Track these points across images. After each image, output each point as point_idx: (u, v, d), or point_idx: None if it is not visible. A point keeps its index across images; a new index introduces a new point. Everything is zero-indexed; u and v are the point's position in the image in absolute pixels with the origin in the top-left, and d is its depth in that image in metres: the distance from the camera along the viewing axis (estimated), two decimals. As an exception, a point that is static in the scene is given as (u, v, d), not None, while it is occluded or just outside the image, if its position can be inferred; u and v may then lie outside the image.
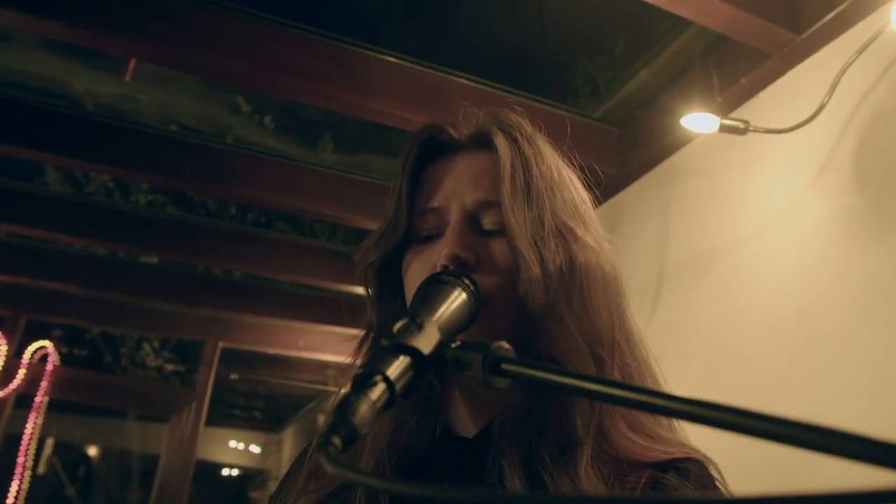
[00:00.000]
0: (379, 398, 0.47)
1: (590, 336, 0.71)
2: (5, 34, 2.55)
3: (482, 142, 0.80)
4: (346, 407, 0.45)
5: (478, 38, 2.70)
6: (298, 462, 0.86)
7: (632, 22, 2.56)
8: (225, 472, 8.57)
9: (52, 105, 2.79)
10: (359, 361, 0.82)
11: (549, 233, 0.73)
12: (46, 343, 4.36)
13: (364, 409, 0.45)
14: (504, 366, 0.47)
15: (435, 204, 0.78)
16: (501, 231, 0.74)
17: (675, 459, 0.68)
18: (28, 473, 4.23)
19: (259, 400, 7.10)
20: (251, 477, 8.40)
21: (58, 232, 3.64)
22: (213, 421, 6.94)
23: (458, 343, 0.51)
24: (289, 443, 7.86)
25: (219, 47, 2.15)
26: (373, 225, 3.53)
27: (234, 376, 5.63)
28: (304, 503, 0.75)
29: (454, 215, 0.76)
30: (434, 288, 0.64)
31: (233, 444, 8.34)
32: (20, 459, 4.22)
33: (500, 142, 0.77)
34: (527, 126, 0.81)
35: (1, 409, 4.16)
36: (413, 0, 2.82)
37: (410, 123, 2.49)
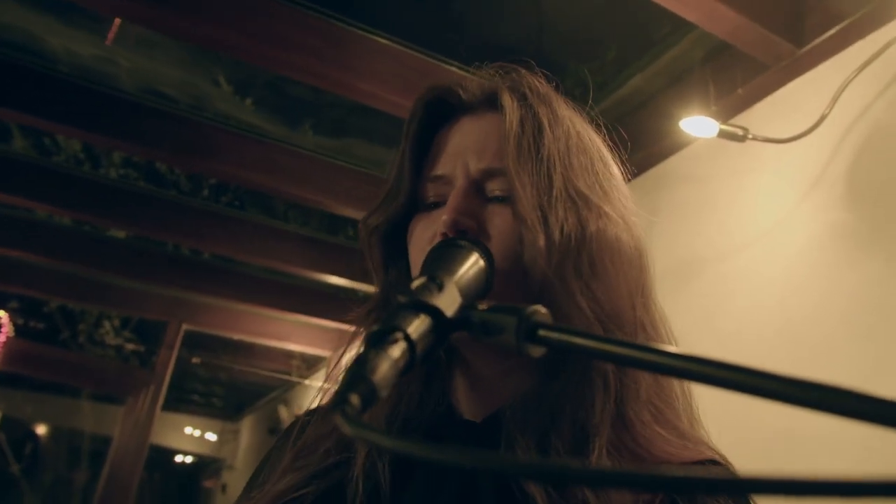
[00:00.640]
0: (400, 357, 0.41)
1: (604, 313, 0.64)
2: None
3: (492, 102, 0.73)
4: (363, 364, 0.39)
5: (473, 28, 2.65)
6: (285, 437, 0.79)
7: (630, 25, 2.53)
8: (179, 458, 8.38)
9: (23, 61, 2.67)
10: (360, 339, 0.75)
11: (557, 198, 0.66)
12: (1, 313, 4.19)
13: (385, 368, 0.39)
14: (541, 332, 0.41)
15: (439, 171, 0.72)
16: (507, 198, 0.68)
17: (699, 462, 0.63)
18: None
19: (219, 386, 6.94)
20: (205, 465, 8.22)
21: (20, 196, 3.50)
22: (169, 405, 6.77)
23: (487, 305, 0.45)
24: (246, 432, 7.71)
25: (209, 13, 2.06)
26: (352, 212, 3.48)
27: (195, 360, 5.48)
28: (291, 480, 0.68)
29: (458, 181, 0.70)
30: (451, 251, 0.59)
31: (189, 430, 8.16)
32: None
33: (508, 102, 0.71)
34: (541, 86, 0.75)
35: (-53, 378, 3.99)
36: (410, -15, 2.75)
37: (399, 108, 2.43)
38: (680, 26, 2.26)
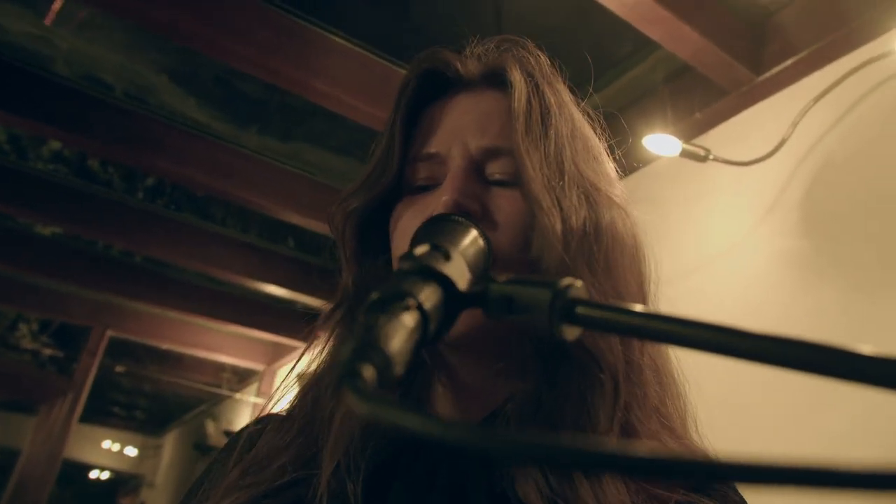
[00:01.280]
0: (415, 329, 0.33)
1: None
2: None
3: (494, 80, 0.67)
4: (372, 329, 0.30)
5: (434, 37, 2.61)
6: (228, 449, 0.68)
7: (591, 44, 2.53)
8: (94, 474, 7.90)
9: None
10: (332, 339, 0.67)
11: (569, 183, 0.60)
12: None
13: (401, 338, 0.31)
14: (580, 309, 0.33)
15: (432, 149, 0.64)
16: (511, 182, 0.62)
17: (707, 483, 0.57)
18: None
19: (143, 398, 6.58)
20: (123, 482, 7.77)
21: (-64, 186, 3.25)
22: (88, 417, 6.39)
23: (506, 277, 0.38)
24: (170, 448, 7.34)
25: (158, -5, 1.94)
26: (296, 218, 3.36)
27: (119, 369, 5.18)
28: (237, 499, 0.58)
29: (455, 161, 0.63)
30: (447, 225, 0.51)
31: (107, 444, 7.70)
32: None
33: (517, 78, 0.65)
34: (546, 65, 0.69)
35: None
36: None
37: (354, 111, 2.35)
38: (641, 47, 2.27)
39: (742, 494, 0.60)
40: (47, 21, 2.54)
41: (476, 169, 0.63)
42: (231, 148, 2.99)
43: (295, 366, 0.71)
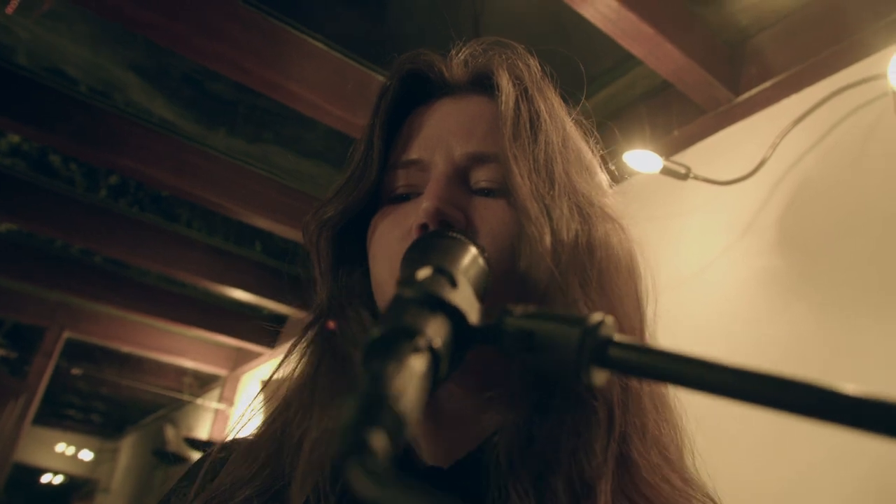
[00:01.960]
0: (426, 374, 0.28)
1: None
2: None
3: (481, 84, 0.63)
4: (381, 382, 0.25)
5: (409, 41, 2.56)
6: (188, 478, 0.63)
7: (568, 59, 2.51)
8: (46, 478, 7.65)
9: None
10: (304, 360, 0.61)
11: (560, 193, 0.56)
12: None
13: (412, 388, 0.26)
14: (614, 351, 0.30)
15: (414, 155, 0.60)
16: (498, 190, 0.57)
17: None
18: None
19: (100, 401, 6.38)
20: (77, 486, 7.53)
21: None
22: (41, 419, 6.19)
23: (523, 310, 0.33)
24: (127, 452, 7.14)
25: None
26: (263, 222, 3.28)
27: (75, 371, 5.02)
28: None
29: (438, 167, 0.58)
30: (446, 242, 0.46)
31: (61, 447, 7.47)
32: None
33: (505, 82, 0.61)
34: (536, 69, 0.65)
35: None
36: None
37: (328, 116, 2.29)
38: (621, 62, 2.26)
39: None
40: (9, 10, 2.44)
41: (460, 176, 0.58)
42: (198, 148, 2.91)
43: (263, 388, 0.65)
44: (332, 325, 0.61)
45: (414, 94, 0.65)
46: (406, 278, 0.34)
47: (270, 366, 0.64)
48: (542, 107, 0.61)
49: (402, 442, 0.24)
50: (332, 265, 0.62)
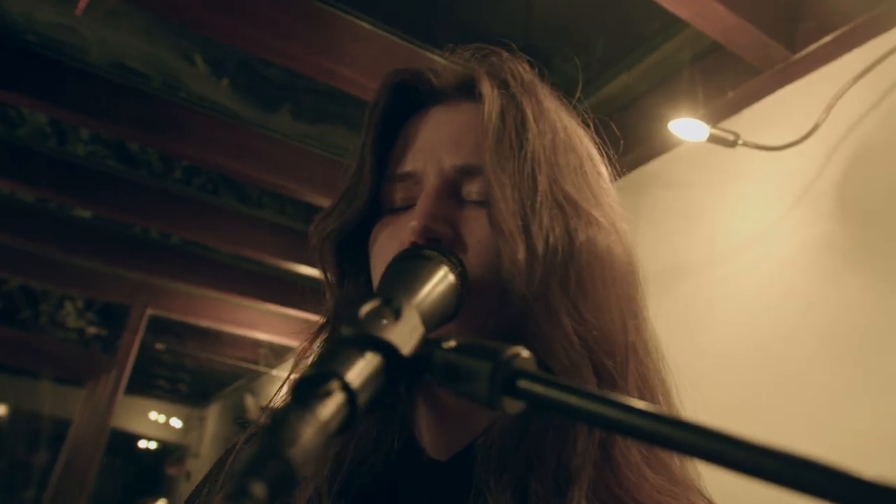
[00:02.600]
0: (333, 417, 0.31)
1: (592, 337, 0.56)
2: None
3: (468, 91, 0.64)
4: (279, 430, 0.29)
5: (460, 17, 2.56)
6: (219, 466, 0.69)
7: (619, 22, 2.45)
8: (142, 444, 8.20)
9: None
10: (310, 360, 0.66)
11: (542, 203, 0.57)
12: (-45, 290, 4.03)
13: (309, 436, 0.29)
14: (522, 383, 0.32)
15: (408, 168, 0.62)
16: (486, 202, 0.59)
17: None
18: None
19: (185, 373, 6.77)
20: (170, 451, 8.04)
21: (-19, 171, 3.35)
22: (134, 389, 6.62)
23: (455, 343, 0.37)
24: (213, 420, 7.56)
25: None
26: (326, 201, 3.35)
27: (159, 346, 5.33)
28: None
29: (430, 180, 0.61)
30: (413, 265, 0.49)
31: (153, 415, 7.98)
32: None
33: (488, 90, 0.61)
34: (525, 73, 0.65)
35: None
36: (396, -31, 2.65)
37: (378, 97, 2.33)
38: (670, 24, 2.19)
39: None
40: (78, 11, 2.57)
41: (451, 188, 0.61)
42: (260, 132, 3.00)
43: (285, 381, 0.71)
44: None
45: (408, 105, 0.67)
46: (350, 317, 0.37)
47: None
48: (530, 112, 0.61)
49: (290, 488, 0.28)
50: (336, 274, 0.66)
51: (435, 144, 0.62)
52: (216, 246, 3.96)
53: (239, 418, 5.55)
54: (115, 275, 4.29)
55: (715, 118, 2.13)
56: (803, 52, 1.92)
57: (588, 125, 0.70)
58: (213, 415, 7.57)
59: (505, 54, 0.67)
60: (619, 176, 0.72)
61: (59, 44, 2.68)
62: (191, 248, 4.19)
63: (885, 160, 1.66)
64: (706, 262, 2.02)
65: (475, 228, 0.59)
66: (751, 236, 1.91)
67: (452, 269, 0.50)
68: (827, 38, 1.87)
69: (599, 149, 0.71)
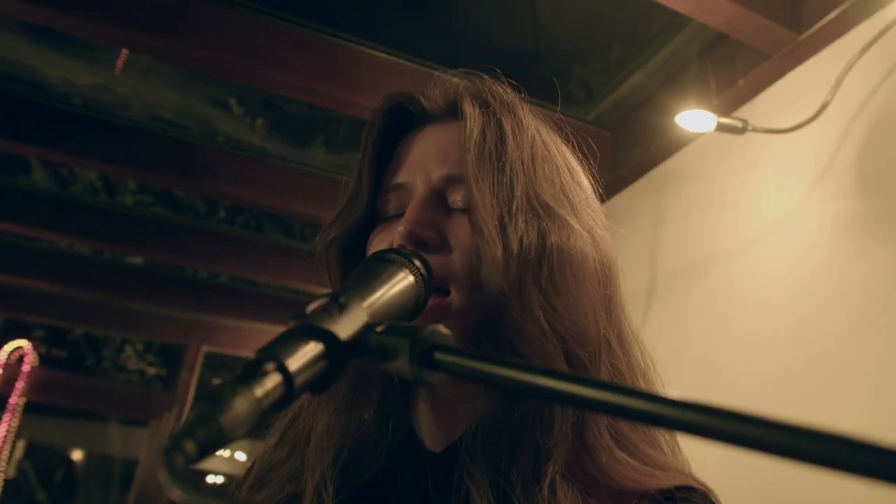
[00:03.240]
0: (268, 394, 0.36)
1: (564, 328, 0.61)
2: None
3: (454, 111, 0.71)
4: (215, 402, 0.34)
5: (470, 35, 2.62)
6: (249, 469, 0.76)
7: (626, 23, 2.48)
8: (210, 479, 8.41)
9: (27, 94, 2.71)
10: None
11: (518, 208, 0.63)
12: (23, 343, 4.26)
13: (241, 407, 0.34)
14: (438, 355, 0.37)
15: (400, 180, 0.69)
16: (469, 209, 0.65)
17: (672, 489, 0.57)
18: (0, 477, 4.11)
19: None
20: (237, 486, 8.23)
21: (41, 228, 3.56)
22: (198, 427, 6.77)
23: (384, 327, 0.41)
24: (276, 451, 7.71)
25: (197, 35, 2.06)
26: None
27: (215, 380, 5.49)
28: None
29: (418, 189, 0.67)
30: (374, 266, 0.54)
31: (220, 451, 8.18)
32: (-7, 462, 4.12)
33: (469, 109, 0.68)
34: (506, 94, 0.72)
35: (-25, 409, 4.06)
36: (405, -4, 2.74)
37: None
38: (676, 19, 2.21)
39: (707, 499, 0.60)
40: (116, 70, 2.74)
41: (438, 197, 0.67)
42: (294, 167, 3.08)
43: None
44: None
45: (403, 125, 0.74)
46: (296, 313, 0.42)
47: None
48: (509, 129, 0.67)
49: (217, 447, 0.33)
50: (340, 278, 0.72)
51: (424, 158, 0.69)
52: (261, 280, 4.09)
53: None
54: (169, 316, 4.48)
55: (729, 108, 2.13)
56: (809, 32, 1.91)
57: (572, 141, 0.76)
58: (276, 446, 7.71)
59: (486, 77, 0.74)
60: (604, 191, 0.76)
61: (99, 103, 2.86)
62: (238, 284, 4.34)
63: (901, 130, 1.64)
64: (734, 250, 2.02)
65: (459, 232, 0.65)
66: (775, 220, 1.90)
67: (412, 271, 0.54)
68: (832, 15, 1.86)
69: (581, 163, 0.76)
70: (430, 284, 0.57)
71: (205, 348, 4.53)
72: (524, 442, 0.58)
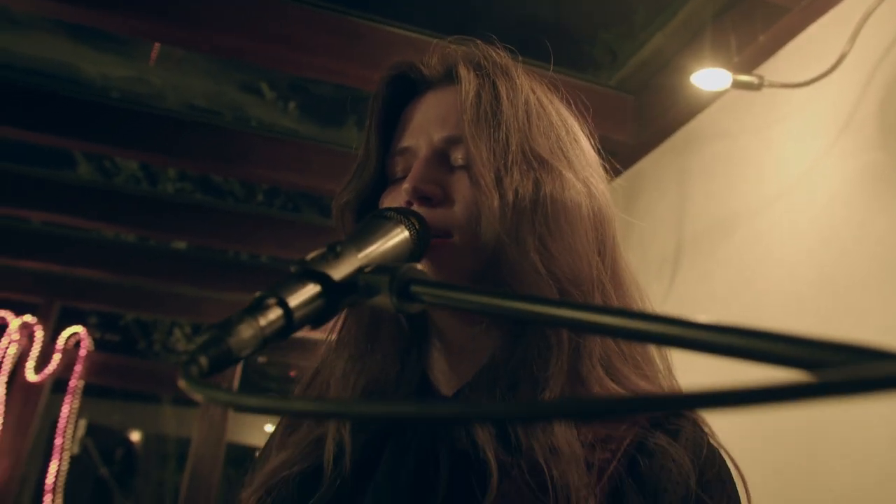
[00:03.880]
0: (270, 324, 0.42)
1: (559, 270, 0.66)
2: (14, 19, 2.58)
3: (451, 76, 0.75)
4: (225, 327, 0.40)
5: (492, 8, 2.64)
6: (282, 419, 0.84)
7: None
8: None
9: (68, 90, 2.83)
10: (338, 327, 0.79)
11: (514, 162, 0.68)
12: (79, 328, 4.47)
13: (246, 333, 0.40)
14: (414, 288, 0.42)
15: (405, 144, 0.75)
16: (469, 165, 0.71)
17: (664, 417, 0.63)
18: (66, 454, 4.35)
19: (291, 383, 7.13)
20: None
21: (89, 219, 3.71)
22: (247, 405, 6.99)
23: (372, 268, 0.47)
24: (323, 427, 7.91)
25: (221, 22, 2.14)
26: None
27: (262, 359, 5.67)
28: (282, 457, 0.72)
29: (422, 151, 0.73)
30: (374, 222, 0.59)
31: (269, 427, 8.45)
32: (58, 441, 4.35)
33: (464, 73, 0.73)
34: (499, 57, 0.76)
35: (38, 392, 4.28)
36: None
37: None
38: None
39: (701, 426, 0.65)
40: (150, 62, 2.84)
41: (441, 157, 0.72)
42: (328, 147, 3.14)
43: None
44: None
45: (407, 92, 0.79)
46: (296, 260, 0.49)
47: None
48: (503, 90, 0.72)
49: (227, 364, 0.39)
50: None
51: (425, 123, 0.74)
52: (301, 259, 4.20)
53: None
54: (213, 298, 4.63)
55: (751, 65, 2.12)
56: (830, -18, 1.89)
57: (584, 103, 0.80)
58: (323, 422, 7.91)
59: (479, 42, 0.79)
60: (617, 173, 0.80)
61: (136, 95, 2.97)
62: (279, 264, 4.46)
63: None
64: (758, 207, 2.03)
65: (460, 187, 0.70)
66: (799, 174, 1.90)
67: (408, 227, 0.60)
68: (853, -36, 1.84)
69: (578, 120, 0.81)
70: (427, 239, 0.62)
71: (249, 328, 4.68)
72: (523, 377, 0.64)
